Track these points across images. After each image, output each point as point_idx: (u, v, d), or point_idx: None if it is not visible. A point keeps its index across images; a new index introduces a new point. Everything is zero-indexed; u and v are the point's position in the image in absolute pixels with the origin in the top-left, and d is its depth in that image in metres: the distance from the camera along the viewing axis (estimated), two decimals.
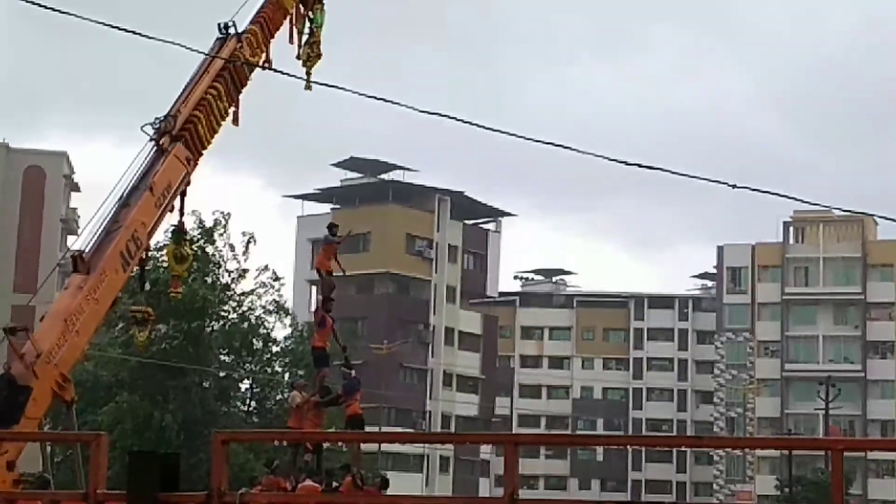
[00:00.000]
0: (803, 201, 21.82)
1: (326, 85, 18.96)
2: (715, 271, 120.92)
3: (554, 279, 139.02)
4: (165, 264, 30.05)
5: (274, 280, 51.21)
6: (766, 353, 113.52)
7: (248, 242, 49.44)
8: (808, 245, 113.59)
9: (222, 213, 49.14)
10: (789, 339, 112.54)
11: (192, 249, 26.06)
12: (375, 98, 17.40)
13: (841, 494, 7.93)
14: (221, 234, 48.81)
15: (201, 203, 53.16)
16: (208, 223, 48.45)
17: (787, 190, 32.04)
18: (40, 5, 15.17)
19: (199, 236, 47.29)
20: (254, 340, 50.10)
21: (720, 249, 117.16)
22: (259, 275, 50.59)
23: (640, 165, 18.11)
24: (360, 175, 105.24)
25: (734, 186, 18.40)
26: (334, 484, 22.69)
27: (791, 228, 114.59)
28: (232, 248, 49.07)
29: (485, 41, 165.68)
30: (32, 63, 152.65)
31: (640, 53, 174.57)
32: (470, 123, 17.82)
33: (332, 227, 27.10)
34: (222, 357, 50.35)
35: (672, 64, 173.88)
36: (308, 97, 23.56)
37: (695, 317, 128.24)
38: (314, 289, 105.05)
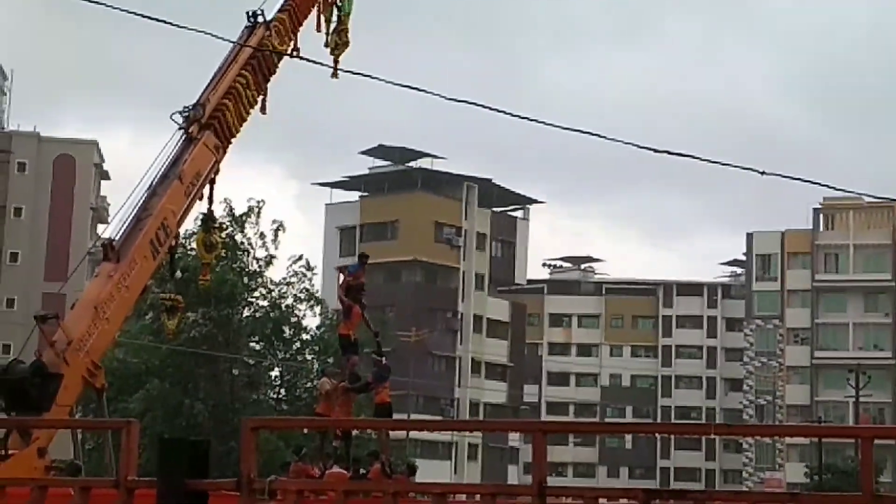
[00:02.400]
0: (833, 188, 21.70)
1: (354, 73, 18.97)
2: (744, 258, 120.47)
3: (582, 267, 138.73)
4: (194, 252, 30.19)
5: (307, 269, 51.41)
6: (796, 340, 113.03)
7: (277, 231, 49.65)
8: (837, 232, 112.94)
9: (257, 201, 49.42)
10: (819, 326, 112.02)
11: (221, 237, 26.11)
12: (404, 86, 17.38)
13: (870, 482, 7.89)
14: (254, 224, 49.06)
15: (226, 192, 53.36)
16: (238, 211, 48.70)
17: (814, 177, 31.90)
18: None
19: (230, 224, 47.52)
20: (284, 328, 50.23)
21: (749, 237, 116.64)
22: (292, 264, 50.80)
23: (668, 153, 18.05)
24: (387, 163, 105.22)
25: (763, 173, 18.31)
26: (362, 471, 22.75)
27: (821, 215, 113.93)
28: (262, 236, 49.29)
29: (503, 28, 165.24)
30: (48, 52, 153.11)
31: (659, 39, 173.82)
32: (500, 111, 17.80)
33: (362, 258, 26.29)
34: (252, 345, 50.52)
35: (692, 50, 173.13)
36: (334, 85, 23.57)
37: (724, 304, 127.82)
38: (342, 277, 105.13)
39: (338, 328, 25.57)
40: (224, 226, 44.47)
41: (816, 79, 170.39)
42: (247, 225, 49.09)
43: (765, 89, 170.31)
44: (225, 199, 47.60)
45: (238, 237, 48.71)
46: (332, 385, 24.07)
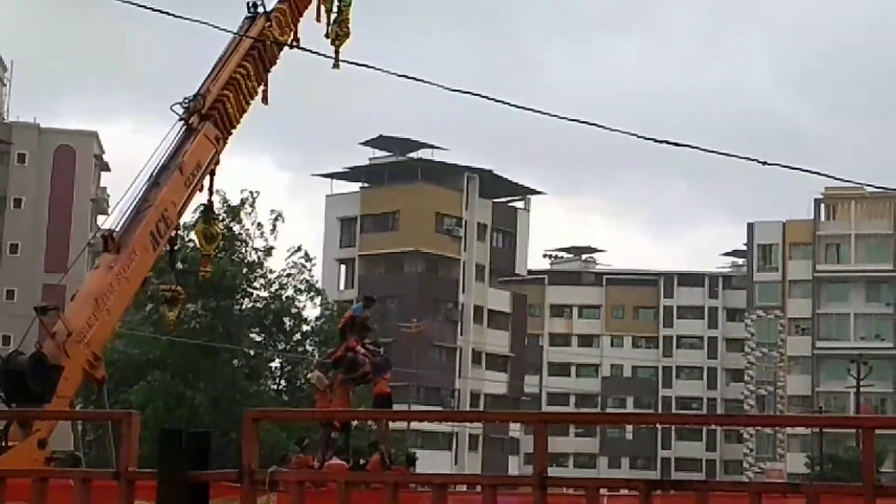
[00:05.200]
0: (835, 178, 21.69)
1: (355, 64, 18.92)
2: (745, 248, 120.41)
3: (583, 257, 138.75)
4: (195, 243, 30.17)
5: (306, 260, 51.47)
6: (797, 330, 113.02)
7: (276, 221, 49.66)
8: (839, 222, 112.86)
9: (251, 192, 49.38)
10: (820, 316, 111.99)
11: (220, 228, 26.06)
12: (405, 77, 17.35)
13: (872, 472, 7.87)
14: (249, 213, 49.04)
15: (226, 182, 53.38)
16: (234, 202, 48.71)
17: (816, 167, 31.99)
18: None
19: (226, 215, 47.50)
20: (284, 319, 50.26)
21: (751, 227, 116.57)
22: (291, 255, 50.82)
23: (669, 143, 18.01)
24: (388, 154, 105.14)
25: (764, 163, 18.27)
26: (361, 461, 22.75)
27: (822, 205, 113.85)
28: (260, 226, 49.30)
29: (504, 18, 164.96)
30: (49, 44, 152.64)
31: (660, 29, 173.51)
32: (501, 102, 17.75)
33: (368, 301, 25.66)
34: (253, 336, 50.56)
35: (694, 39, 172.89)
36: (335, 76, 23.52)
37: (725, 294, 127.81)
38: (343, 267, 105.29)
39: (334, 354, 25.28)
40: (221, 217, 44.50)
41: (820, 68, 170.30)
42: (243, 215, 49.09)
43: (768, 79, 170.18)
44: (218, 191, 47.53)
45: (235, 228, 48.71)
46: (330, 379, 23.99)
